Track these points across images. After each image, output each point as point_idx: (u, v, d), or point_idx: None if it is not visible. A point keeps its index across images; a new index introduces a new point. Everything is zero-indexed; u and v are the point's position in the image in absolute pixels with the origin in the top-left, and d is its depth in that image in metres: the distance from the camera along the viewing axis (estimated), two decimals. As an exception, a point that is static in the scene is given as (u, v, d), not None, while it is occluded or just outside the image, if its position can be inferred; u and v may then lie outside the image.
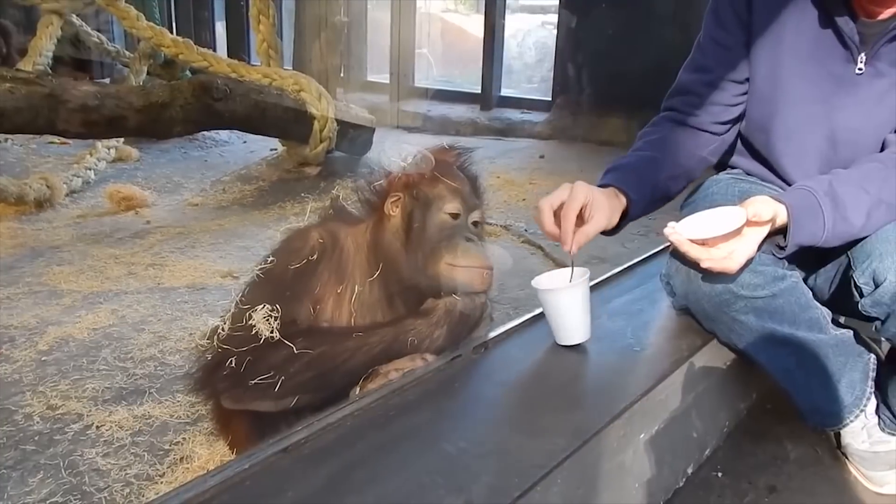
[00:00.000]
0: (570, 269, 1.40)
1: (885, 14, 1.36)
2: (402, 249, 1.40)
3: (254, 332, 1.28)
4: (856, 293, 1.38)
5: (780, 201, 1.32)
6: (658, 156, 1.50)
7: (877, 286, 1.33)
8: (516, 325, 1.49)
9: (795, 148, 1.49)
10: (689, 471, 1.46)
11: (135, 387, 1.97)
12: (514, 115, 5.52)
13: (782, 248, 1.35)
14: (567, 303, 1.39)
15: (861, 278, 1.36)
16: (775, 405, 1.58)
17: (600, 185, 1.42)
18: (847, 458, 1.53)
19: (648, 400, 1.30)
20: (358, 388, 1.28)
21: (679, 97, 1.57)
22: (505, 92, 5.78)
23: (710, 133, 1.56)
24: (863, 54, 1.38)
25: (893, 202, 1.33)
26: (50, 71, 4.46)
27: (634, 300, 1.58)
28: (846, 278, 1.42)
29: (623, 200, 1.42)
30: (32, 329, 2.30)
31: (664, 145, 1.53)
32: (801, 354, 1.42)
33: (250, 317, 1.30)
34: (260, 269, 1.40)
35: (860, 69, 1.39)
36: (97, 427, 1.77)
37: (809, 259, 1.50)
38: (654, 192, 1.48)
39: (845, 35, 1.38)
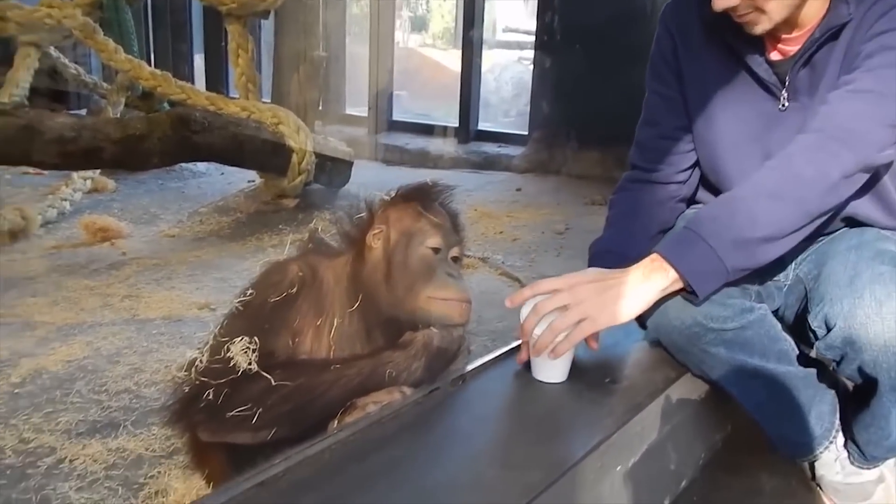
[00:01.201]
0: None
1: (788, 49, 1.42)
2: (382, 282, 1.40)
3: (232, 364, 1.28)
4: (811, 335, 1.41)
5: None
6: (634, 227, 1.56)
7: (829, 330, 1.36)
8: (493, 358, 1.50)
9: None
10: (666, 503, 1.47)
11: (109, 420, 1.94)
12: (492, 148, 5.58)
13: (692, 293, 1.33)
14: None
15: (815, 322, 1.40)
16: (750, 437, 1.60)
17: None
18: (821, 489, 1.55)
19: (625, 432, 1.31)
20: (336, 421, 1.28)
21: (639, 154, 1.64)
22: (482, 126, 5.85)
23: (675, 183, 1.61)
24: (784, 91, 1.43)
25: (781, 192, 1.29)
26: (27, 102, 4.43)
27: (608, 333, 1.60)
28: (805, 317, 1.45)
29: None
30: (5, 361, 2.26)
31: (637, 214, 1.59)
32: (771, 386, 1.45)
33: (228, 349, 1.30)
34: (239, 302, 1.40)
35: (783, 105, 1.44)
36: (70, 461, 1.74)
37: (773, 290, 1.53)
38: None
39: (762, 76, 1.43)
